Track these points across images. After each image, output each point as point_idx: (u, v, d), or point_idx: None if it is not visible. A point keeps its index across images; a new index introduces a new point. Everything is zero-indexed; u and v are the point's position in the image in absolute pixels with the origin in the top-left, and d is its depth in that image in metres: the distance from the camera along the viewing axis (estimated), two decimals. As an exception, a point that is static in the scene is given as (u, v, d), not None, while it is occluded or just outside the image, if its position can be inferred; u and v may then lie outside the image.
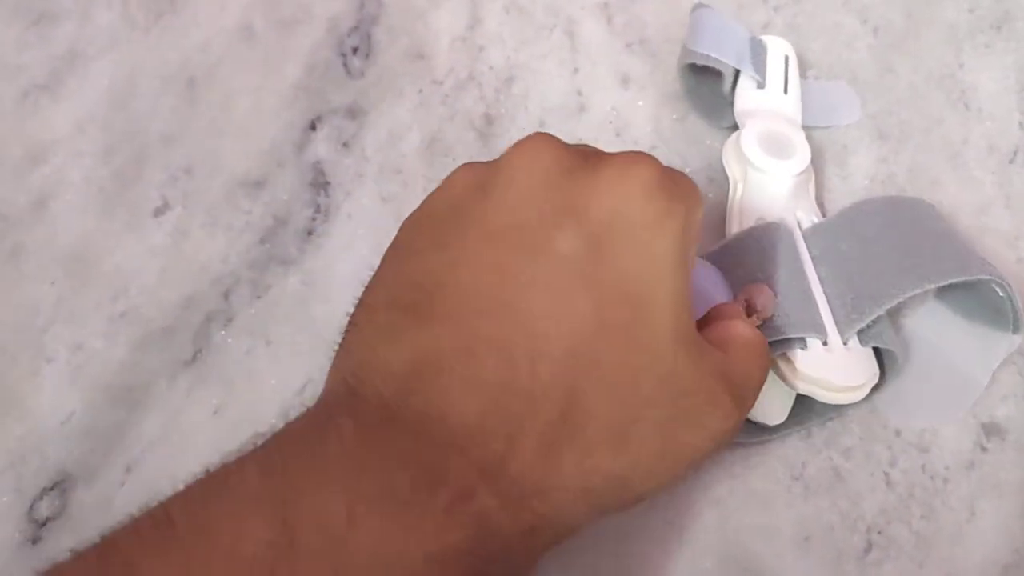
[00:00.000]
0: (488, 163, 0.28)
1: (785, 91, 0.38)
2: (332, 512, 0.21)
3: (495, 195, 0.27)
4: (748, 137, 0.36)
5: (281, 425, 0.25)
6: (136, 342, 0.36)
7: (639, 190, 0.26)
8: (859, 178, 0.38)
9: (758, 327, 0.31)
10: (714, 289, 0.32)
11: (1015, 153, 0.38)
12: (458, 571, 0.22)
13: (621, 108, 0.40)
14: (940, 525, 0.31)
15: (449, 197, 0.28)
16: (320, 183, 0.39)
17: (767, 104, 0.37)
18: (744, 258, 0.33)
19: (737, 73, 0.38)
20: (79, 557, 0.22)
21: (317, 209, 0.38)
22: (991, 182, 0.37)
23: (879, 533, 0.31)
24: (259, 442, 0.24)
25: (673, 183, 0.27)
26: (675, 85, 0.40)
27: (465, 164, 0.29)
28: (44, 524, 0.33)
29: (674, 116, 0.40)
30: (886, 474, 0.32)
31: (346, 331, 0.27)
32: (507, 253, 0.26)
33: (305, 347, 0.35)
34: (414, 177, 0.38)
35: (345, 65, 0.42)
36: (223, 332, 0.36)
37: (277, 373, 0.35)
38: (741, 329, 0.29)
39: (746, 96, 0.38)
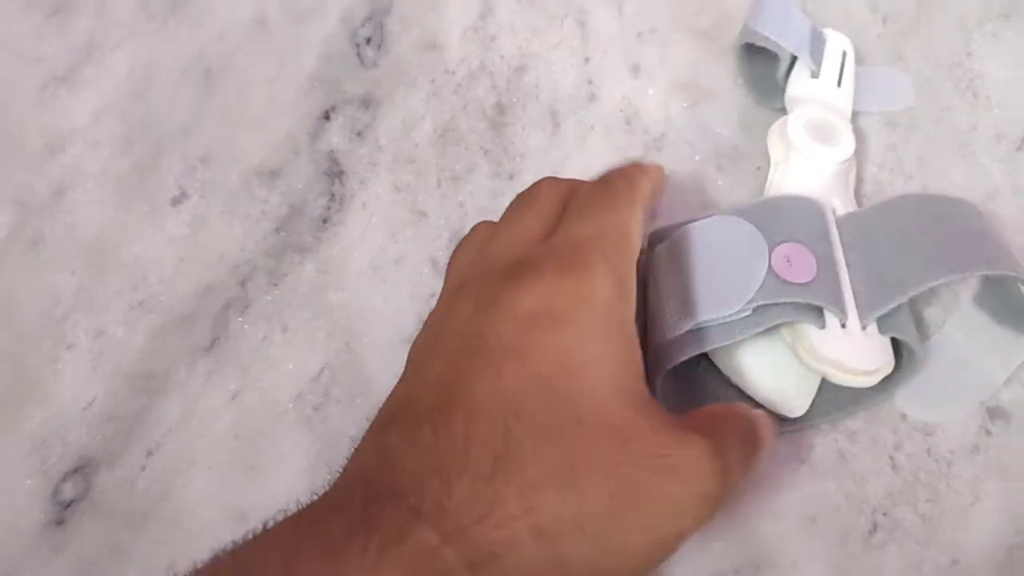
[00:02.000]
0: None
1: (839, 84, 0.38)
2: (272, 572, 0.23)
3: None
4: (796, 121, 0.37)
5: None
6: (155, 329, 0.37)
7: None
8: (868, 165, 0.38)
9: (788, 283, 0.31)
10: (747, 244, 0.32)
11: (1023, 141, 0.38)
12: None
13: (632, 97, 0.40)
14: (945, 508, 0.32)
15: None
16: (335, 172, 0.39)
17: (818, 94, 0.38)
18: (778, 217, 0.33)
19: (793, 60, 0.38)
20: None
21: (332, 198, 0.39)
22: (999, 170, 0.37)
23: (884, 515, 0.32)
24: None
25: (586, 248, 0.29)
26: (685, 74, 0.40)
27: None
28: (68, 506, 0.34)
29: (684, 105, 0.40)
30: (891, 457, 0.33)
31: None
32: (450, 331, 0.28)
33: (321, 333, 0.36)
34: (427, 166, 0.39)
35: (359, 55, 0.42)
36: (240, 319, 0.37)
37: (293, 359, 0.36)
38: (723, 407, 0.30)
39: (799, 83, 0.38)
